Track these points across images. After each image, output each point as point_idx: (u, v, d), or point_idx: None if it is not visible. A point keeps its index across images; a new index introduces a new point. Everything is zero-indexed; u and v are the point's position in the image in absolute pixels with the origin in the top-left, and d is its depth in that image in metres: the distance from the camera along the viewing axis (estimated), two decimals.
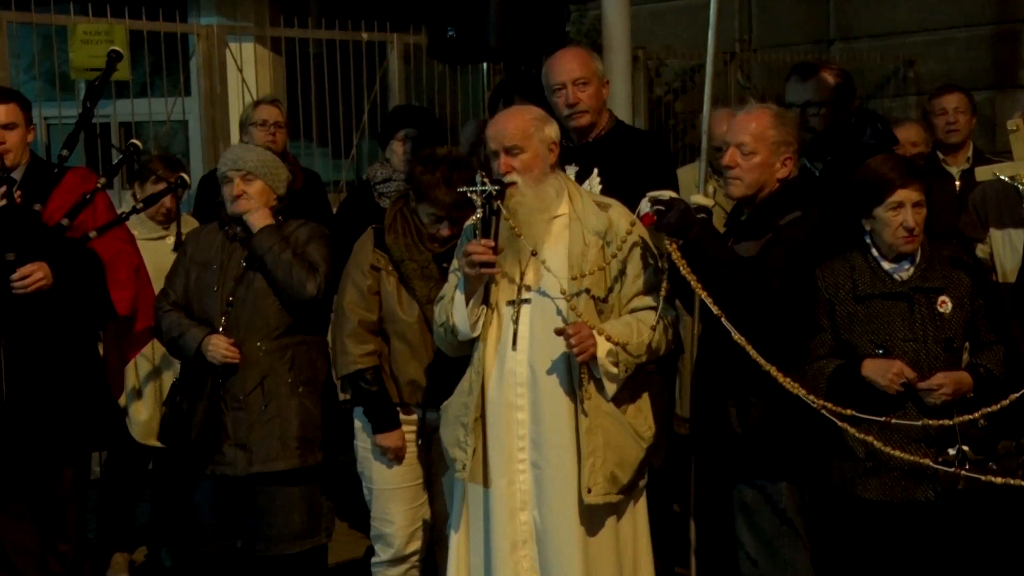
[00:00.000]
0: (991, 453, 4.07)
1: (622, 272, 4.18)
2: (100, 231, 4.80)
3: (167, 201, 5.59)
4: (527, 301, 4.16)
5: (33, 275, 4.61)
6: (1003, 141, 7.55)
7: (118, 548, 5.92)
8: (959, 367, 4.10)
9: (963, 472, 3.94)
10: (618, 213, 4.24)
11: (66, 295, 4.72)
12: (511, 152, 4.16)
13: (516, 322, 4.14)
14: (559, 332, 4.03)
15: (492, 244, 4.05)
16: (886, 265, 4.17)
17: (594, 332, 4.03)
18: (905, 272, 4.16)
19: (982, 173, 4.50)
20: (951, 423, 3.98)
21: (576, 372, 4.11)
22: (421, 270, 4.53)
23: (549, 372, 4.13)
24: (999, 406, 3.93)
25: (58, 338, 4.76)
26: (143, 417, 5.69)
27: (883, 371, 4.04)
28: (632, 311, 4.20)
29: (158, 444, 5.25)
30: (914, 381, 4.02)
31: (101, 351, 5.15)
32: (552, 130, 4.24)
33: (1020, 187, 4.20)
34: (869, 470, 4.09)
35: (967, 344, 4.16)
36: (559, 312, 4.13)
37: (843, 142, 4.89)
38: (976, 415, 3.96)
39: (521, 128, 4.17)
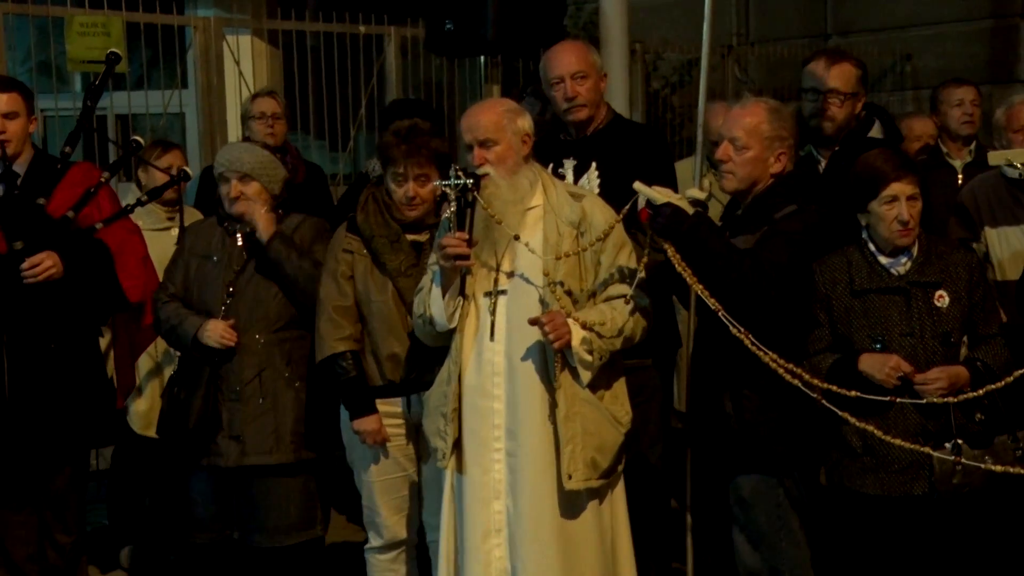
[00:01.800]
0: (987, 448, 4.07)
1: (597, 263, 4.22)
2: (106, 222, 4.81)
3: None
4: (503, 292, 4.20)
5: (43, 263, 4.61)
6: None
7: (126, 540, 5.93)
8: (957, 361, 4.11)
9: (961, 460, 3.94)
10: (592, 204, 4.28)
11: (76, 285, 4.72)
12: (484, 145, 4.20)
13: (493, 313, 4.17)
14: (533, 322, 4.06)
15: (466, 237, 4.08)
16: (883, 260, 4.17)
17: (568, 320, 4.06)
18: (902, 266, 4.16)
19: (995, 158, 4.51)
20: (956, 400, 3.98)
21: (552, 361, 4.13)
22: (391, 244, 4.54)
23: (525, 362, 4.16)
24: (1003, 383, 3.94)
25: (61, 334, 4.76)
26: (142, 409, 5.69)
27: (880, 365, 4.04)
28: (606, 299, 4.23)
29: (156, 436, 5.25)
30: (911, 375, 4.03)
31: (103, 346, 5.16)
32: (525, 122, 4.28)
33: None
34: (866, 465, 4.09)
35: (965, 338, 4.17)
36: (536, 302, 4.16)
37: (850, 136, 4.90)
38: (980, 392, 3.96)
39: (494, 121, 4.21)
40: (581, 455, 4.12)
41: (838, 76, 4.90)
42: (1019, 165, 4.31)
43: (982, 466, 3.89)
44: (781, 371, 3.99)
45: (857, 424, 3.98)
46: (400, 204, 4.54)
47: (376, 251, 4.55)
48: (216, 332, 4.70)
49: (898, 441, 3.95)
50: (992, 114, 6.11)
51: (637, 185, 4.20)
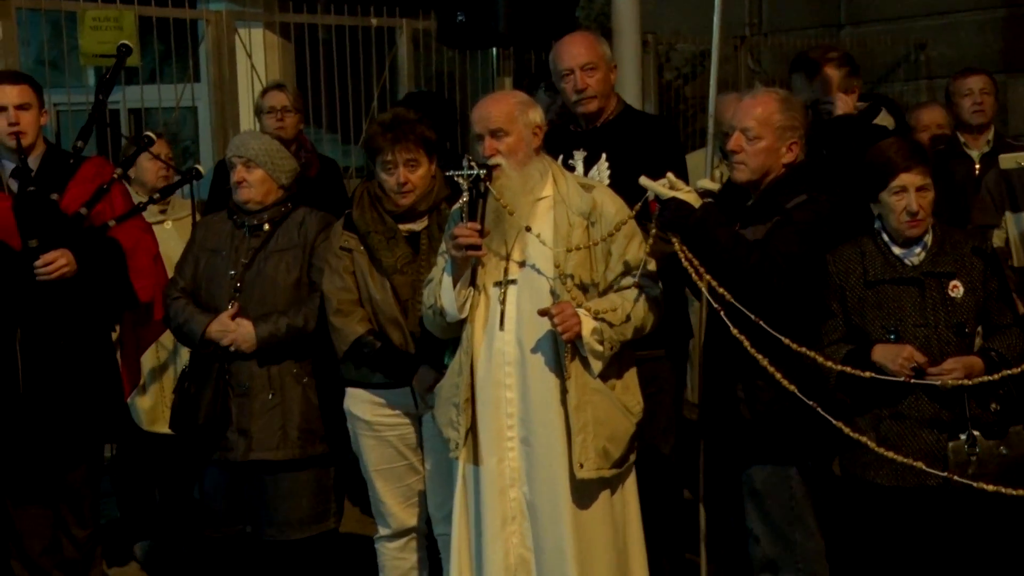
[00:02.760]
0: (1002, 438, 4.06)
1: (608, 254, 4.22)
2: (119, 220, 4.82)
3: (162, 169, 5.67)
4: (514, 282, 4.21)
5: (56, 262, 4.63)
6: (1015, 125, 7.51)
7: (139, 533, 5.95)
8: (971, 352, 4.09)
9: (954, 476, 3.91)
10: (602, 195, 4.29)
11: (88, 283, 4.73)
12: (496, 135, 4.21)
13: (503, 303, 4.18)
14: (543, 313, 4.07)
15: (478, 227, 4.09)
16: (896, 250, 4.16)
17: (578, 311, 4.07)
18: (916, 257, 4.15)
19: (1006, 161, 4.48)
20: (970, 383, 3.97)
21: (563, 350, 4.13)
22: (387, 240, 4.55)
23: (537, 351, 4.17)
24: (1019, 369, 3.92)
25: (75, 329, 4.78)
26: (147, 404, 5.71)
27: (893, 356, 4.03)
28: (617, 289, 4.23)
29: (163, 431, 5.26)
30: (925, 365, 4.01)
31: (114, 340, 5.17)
32: (536, 114, 4.29)
33: None
34: (881, 456, 4.08)
35: (979, 328, 4.15)
36: (547, 291, 4.17)
37: (853, 125, 4.89)
38: (995, 376, 3.95)
39: (505, 112, 4.23)
40: (592, 444, 4.13)
41: (819, 86, 4.91)
42: None
43: (974, 484, 3.83)
44: (778, 376, 3.97)
45: (851, 435, 3.95)
46: (392, 193, 4.54)
47: (372, 247, 4.56)
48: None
49: (891, 454, 3.94)
50: (1007, 103, 6.09)
51: (643, 180, 4.19)
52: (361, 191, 4.66)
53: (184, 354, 5.35)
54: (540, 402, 4.18)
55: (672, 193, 4.14)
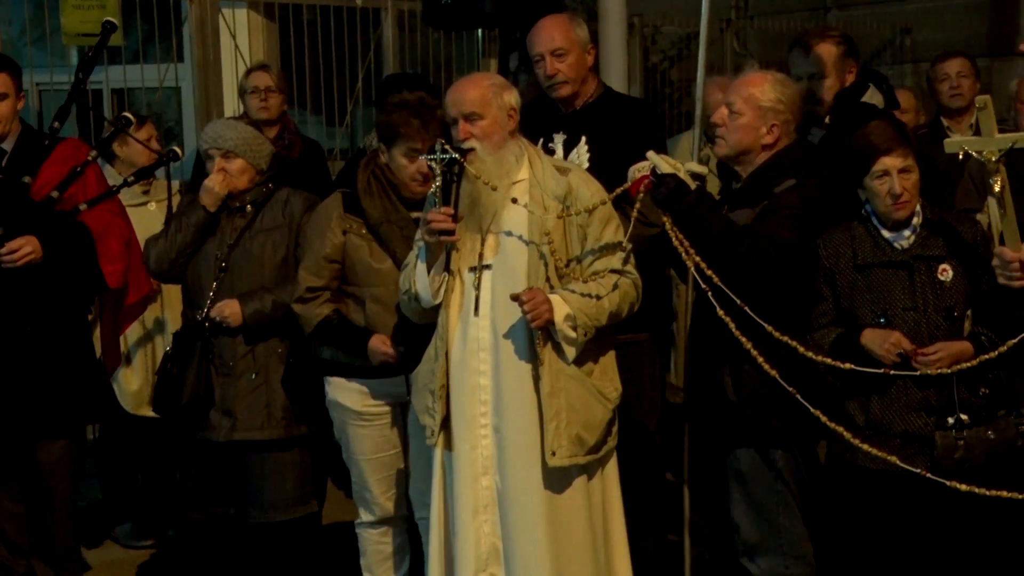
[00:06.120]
0: (990, 422, 4.07)
1: (583, 238, 4.18)
2: (91, 204, 4.77)
3: (144, 157, 5.61)
4: (488, 267, 4.17)
5: (22, 249, 4.59)
6: (1000, 109, 7.48)
7: (120, 514, 5.94)
8: (960, 336, 4.09)
9: (927, 475, 3.93)
10: (578, 178, 4.24)
11: (56, 269, 4.68)
12: (470, 119, 4.16)
13: (478, 288, 4.15)
14: (514, 298, 4.03)
15: (451, 212, 4.05)
16: (886, 233, 4.16)
17: (551, 296, 4.04)
18: (905, 240, 4.14)
19: (950, 145, 4.46)
20: (949, 371, 3.97)
21: (536, 336, 4.10)
22: (401, 232, 4.52)
23: (510, 337, 4.13)
24: (996, 352, 3.92)
25: (46, 312, 4.73)
26: (133, 387, 5.69)
27: (880, 341, 4.03)
28: (593, 274, 4.18)
29: (149, 414, 5.24)
30: (911, 352, 4.01)
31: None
32: (511, 96, 4.24)
33: (987, 162, 4.16)
34: (868, 439, 4.07)
35: (969, 312, 4.15)
36: (522, 276, 4.12)
37: (842, 103, 4.87)
38: (974, 362, 3.95)
39: (479, 95, 4.18)
40: (566, 431, 4.09)
41: (814, 60, 4.88)
42: (974, 153, 4.24)
43: (948, 484, 3.86)
44: (760, 360, 3.98)
45: (830, 424, 3.98)
46: (410, 180, 4.51)
47: (385, 238, 4.53)
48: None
49: (866, 446, 3.95)
50: (993, 87, 6.09)
51: (651, 154, 4.17)
52: (367, 177, 4.60)
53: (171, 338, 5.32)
54: (513, 389, 4.14)
55: (673, 169, 4.12)
